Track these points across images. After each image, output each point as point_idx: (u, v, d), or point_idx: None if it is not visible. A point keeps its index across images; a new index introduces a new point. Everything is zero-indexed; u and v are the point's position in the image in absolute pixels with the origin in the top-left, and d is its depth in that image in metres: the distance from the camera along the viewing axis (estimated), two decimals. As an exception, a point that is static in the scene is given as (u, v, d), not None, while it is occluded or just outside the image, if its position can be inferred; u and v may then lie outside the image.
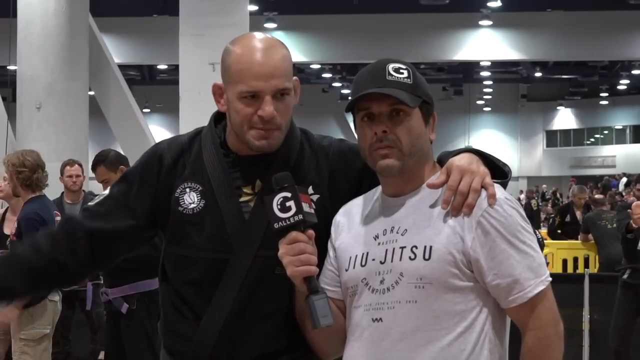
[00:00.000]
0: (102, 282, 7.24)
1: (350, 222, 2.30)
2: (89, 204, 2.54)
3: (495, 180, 2.18)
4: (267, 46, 2.29)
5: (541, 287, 2.12)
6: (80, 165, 7.79)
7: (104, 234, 2.40)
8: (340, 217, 2.33)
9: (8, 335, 6.19)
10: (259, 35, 2.34)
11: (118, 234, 2.41)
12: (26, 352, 5.79)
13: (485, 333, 2.14)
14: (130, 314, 5.59)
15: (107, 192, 2.49)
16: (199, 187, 2.35)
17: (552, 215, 15.25)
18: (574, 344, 7.76)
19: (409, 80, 2.19)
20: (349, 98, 2.24)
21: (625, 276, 7.50)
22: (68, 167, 7.62)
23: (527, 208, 18.13)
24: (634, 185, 8.79)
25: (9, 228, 6.14)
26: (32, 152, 6.12)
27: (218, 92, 2.37)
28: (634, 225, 7.18)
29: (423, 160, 2.22)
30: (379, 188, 2.29)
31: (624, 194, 19.24)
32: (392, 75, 2.18)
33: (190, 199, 2.35)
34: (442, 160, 2.26)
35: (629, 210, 7.18)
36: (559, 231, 12.12)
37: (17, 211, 6.15)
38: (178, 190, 2.36)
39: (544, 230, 14.49)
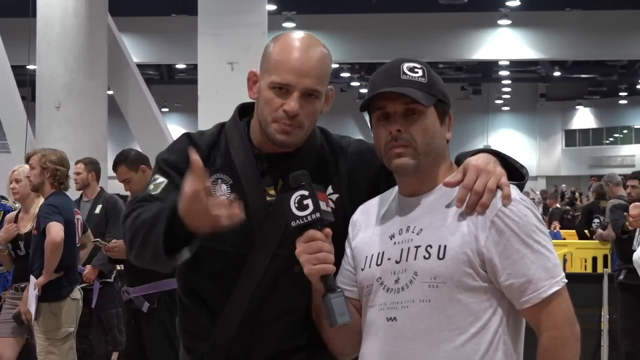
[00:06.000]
0: (111, 281, 7.26)
1: (367, 221, 2.31)
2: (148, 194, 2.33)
3: (511, 182, 2.17)
4: (309, 46, 2.32)
5: (556, 288, 2.09)
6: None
7: None
8: (357, 217, 2.34)
9: (19, 337, 6.19)
10: (308, 35, 2.36)
11: None
12: (52, 352, 5.79)
13: (500, 335, 2.12)
14: (151, 312, 5.59)
15: (159, 180, 2.35)
16: (229, 180, 2.35)
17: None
18: (593, 344, 7.73)
19: (423, 79, 2.19)
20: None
21: (621, 277, 7.47)
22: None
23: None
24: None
25: (23, 228, 6.14)
26: (63, 152, 6.12)
27: (252, 78, 2.38)
28: (629, 227, 7.09)
29: (439, 160, 2.22)
30: (396, 188, 2.29)
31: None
32: (406, 74, 2.19)
33: (222, 191, 2.33)
34: (460, 161, 2.25)
35: (625, 213, 7.05)
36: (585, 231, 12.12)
37: (29, 210, 6.15)
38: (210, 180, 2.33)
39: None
